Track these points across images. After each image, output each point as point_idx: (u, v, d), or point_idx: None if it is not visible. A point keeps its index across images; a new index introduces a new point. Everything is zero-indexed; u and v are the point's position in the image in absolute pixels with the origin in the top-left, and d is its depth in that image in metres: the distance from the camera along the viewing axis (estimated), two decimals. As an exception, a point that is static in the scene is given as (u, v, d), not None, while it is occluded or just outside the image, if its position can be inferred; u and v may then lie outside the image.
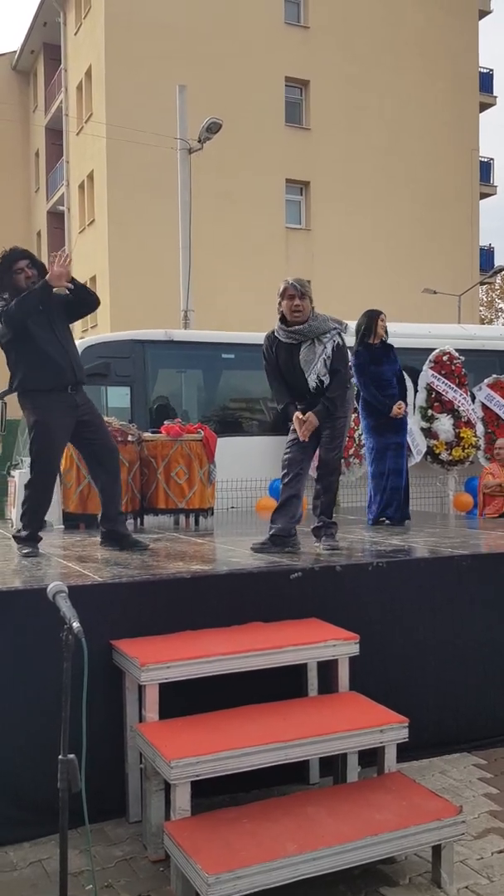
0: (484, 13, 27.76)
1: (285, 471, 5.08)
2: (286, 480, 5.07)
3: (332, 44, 24.40)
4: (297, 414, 4.98)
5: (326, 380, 4.92)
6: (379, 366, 6.38)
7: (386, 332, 6.53)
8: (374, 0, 24.88)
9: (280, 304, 5.02)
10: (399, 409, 6.32)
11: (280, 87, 24.01)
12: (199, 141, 14.19)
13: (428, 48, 25.80)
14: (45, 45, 27.72)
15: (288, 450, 5.08)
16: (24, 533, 4.85)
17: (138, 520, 6.80)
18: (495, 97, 29.19)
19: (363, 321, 6.49)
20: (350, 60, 24.56)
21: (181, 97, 14.58)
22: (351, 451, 8.61)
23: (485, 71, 28.46)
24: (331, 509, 5.19)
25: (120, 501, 5.15)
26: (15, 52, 29.88)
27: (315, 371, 4.92)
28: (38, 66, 28.91)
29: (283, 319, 5.01)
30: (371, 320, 6.45)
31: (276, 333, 5.05)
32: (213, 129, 13.89)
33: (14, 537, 4.95)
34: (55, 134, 27.00)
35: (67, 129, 25.47)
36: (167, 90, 16.67)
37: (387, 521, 6.40)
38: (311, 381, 4.93)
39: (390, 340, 6.61)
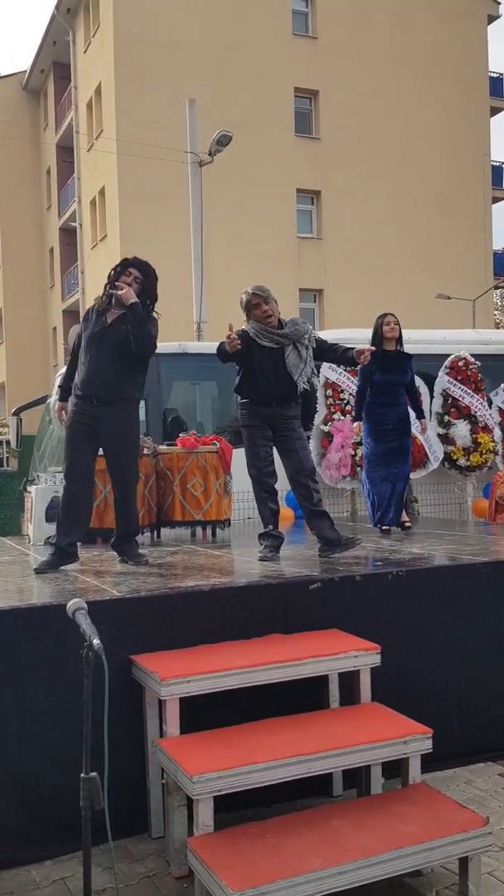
0: (493, 18, 27.75)
1: (272, 481, 5.15)
2: (273, 491, 5.18)
3: (341, 54, 24.47)
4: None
5: (310, 385, 5.13)
6: (384, 374, 6.32)
7: (400, 335, 6.47)
8: (382, 9, 24.95)
9: (248, 316, 5.11)
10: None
11: (289, 98, 24.09)
12: (210, 154, 14.26)
13: (437, 55, 25.81)
14: (55, 64, 28.01)
15: (268, 462, 5.12)
16: (52, 540, 5.05)
17: (155, 532, 6.80)
18: (505, 101, 29.13)
19: (374, 326, 6.52)
20: (359, 69, 24.62)
21: (191, 111, 14.66)
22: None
23: (494, 76, 28.42)
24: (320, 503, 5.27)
25: (125, 521, 5.06)
26: (25, 71, 30.22)
27: (304, 375, 5.05)
28: (49, 85, 29.21)
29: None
30: (376, 325, 6.47)
31: (255, 337, 5.03)
32: (223, 141, 13.96)
33: (47, 542, 5.13)
34: (66, 151, 27.23)
35: (78, 146, 25.68)
36: (177, 104, 16.80)
37: (390, 528, 6.36)
38: (301, 385, 5.07)
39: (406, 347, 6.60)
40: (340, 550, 4.97)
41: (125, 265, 5.00)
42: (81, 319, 5.07)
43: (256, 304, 5.05)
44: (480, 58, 27.20)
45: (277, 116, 23.62)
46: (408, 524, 6.57)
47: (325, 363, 8.60)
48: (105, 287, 4.99)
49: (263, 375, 5.02)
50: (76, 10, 25.38)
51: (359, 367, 6.11)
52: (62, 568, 4.80)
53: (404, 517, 6.58)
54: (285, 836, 2.90)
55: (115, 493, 5.06)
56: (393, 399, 6.35)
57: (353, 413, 6.53)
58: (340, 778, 3.79)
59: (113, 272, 5.00)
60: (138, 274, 4.93)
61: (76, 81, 25.76)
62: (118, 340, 4.78)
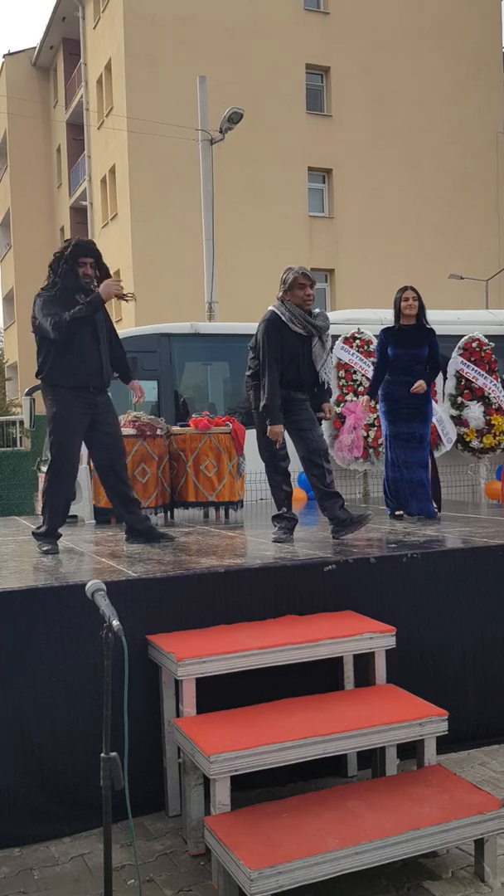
0: (507, -7, 27.35)
1: (285, 463, 5.18)
2: (286, 473, 5.21)
3: (353, 29, 24.16)
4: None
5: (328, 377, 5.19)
6: (398, 349, 6.07)
7: (421, 310, 6.15)
8: (394, -17, 24.60)
9: (287, 292, 5.06)
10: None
11: (301, 74, 23.82)
12: (221, 131, 14.13)
13: (449, 31, 25.45)
14: (65, 41, 27.76)
15: (283, 445, 5.12)
16: (42, 528, 4.85)
17: (168, 513, 6.82)
18: (520, 78, 28.72)
19: (394, 300, 6.24)
20: (371, 46, 24.31)
21: (202, 88, 14.52)
22: (380, 441, 8.54)
23: (509, 51, 28.02)
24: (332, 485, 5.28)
25: (130, 500, 5.02)
26: (34, 48, 29.95)
27: (326, 367, 5.06)
28: (58, 62, 28.96)
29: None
30: (396, 299, 6.19)
31: (289, 322, 5.01)
32: (234, 119, 13.82)
33: (33, 534, 4.94)
34: (76, 129, 27.05)
35: (88, 124, 25.51)
36: (187, 82, 16.65)
37: (405, 515, 6.12)
38: (322, 376, 5.11)
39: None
40: (353, 530, 4.97)
41: (82, 252, 4.75)
42: (64, 306, 4.67)
43: (302, 284, 5.05)
44: (495, 33, 26.81)
45: (289, 93, 23.38)
46: (436, 513, 6.27)
47: (337, 345, 8.56)
48: (63, 269, 4.70)
49: (295, 364, 5.03)
50: (86, -14, 25.16)
51: (376, 344, 6.06)
52: (77, 548, 4.82)
53: (434, 506, 6.33)
54: (302, 816, 2.92)
55: (119, 473, 4.95)
56: (407, 376, 6.07)
57: (370, 387, 6.32)
58: (355, 759, 3.81)
59: (65, 255, 4.71)
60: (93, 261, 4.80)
61: (86, 58, 25.54)
62: (101, 328, 4.83)
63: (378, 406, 6.36)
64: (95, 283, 4.77)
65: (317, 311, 5.19)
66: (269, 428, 4.99)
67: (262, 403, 5.03)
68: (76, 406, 4.74)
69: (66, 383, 4.72)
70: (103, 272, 4.83)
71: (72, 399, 4.72)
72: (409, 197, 24.57)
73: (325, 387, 5.28)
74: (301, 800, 3.09)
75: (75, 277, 4.70)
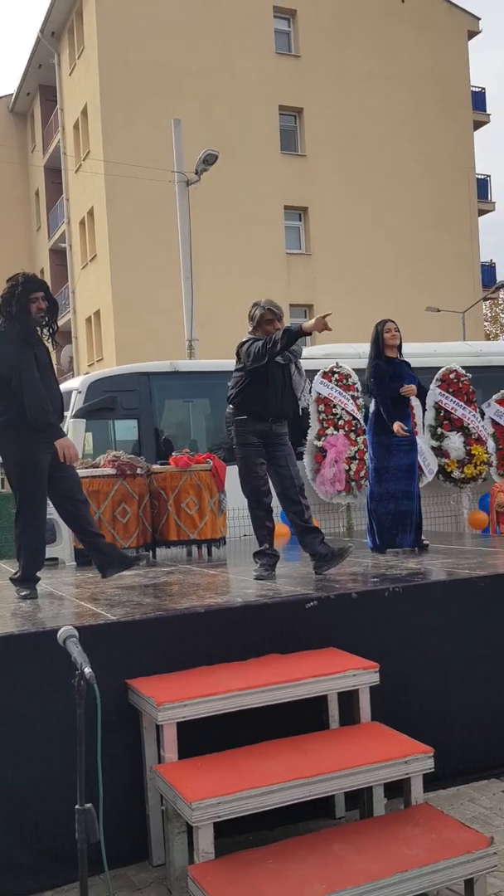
0: (473, 33, 28.03)
1: (268, 499, 5.14)
2: (269, 509, 5.17)
3: (324, 71, 24.68)
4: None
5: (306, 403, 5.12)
6: (399, 381, 6.06)
7: (400, 342, 6.20)
8: (364, 26, 25.19)
9: (257, 328, 5.09)
10: (399, 428, 5.97)
11: (274, 116, 24.24)
12: (197, 173, 14.32)
13: (419, 71, 26.06)
14: (41, 87, 28.15)
15: (265, 481, 5.10)
16: (18, 574, 4.77)
17: (150, 553, 6.76)
18: (489, 115, 29.37)
19: (373, 333, 6.23)
20: (342, 86, 24.83)
21: (176, 131, 14.74)
22: (361, 473, 8.54)
23: (476, 90, 28.67)
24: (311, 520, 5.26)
25: (94, 534, 5.00)
26: (11, 94, 30.37)
27: (305, 391, 5.05)
28: (35, 108, 29.35)
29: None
30: (377, 332, 6.17)
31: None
32: (209, 160, 14.02)
33: (11, 580, 4.85)
34: (54, 173, 27.32)
35: (66, 168, 25.78)
36: (163, 125, 16.89)
37: (401, 550, 6.05)
38: (304, 403, 5.06)
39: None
40: (335, 563, 4.95)
41: (34, 288, 4.74)
42: (27, 343, 4.66)
43: (270, 319, 5.07)
44: (462, 72, 27.47)
45: (263, 134, 23.77)
46: (426, 542, 6.23)
47: (316, 379, 8.60)
48: (16, 307, 4.66)
49: (273, 389, 5.04)
50: (60, 34, 25.55)
51: (373, 377, 6.04)
52: (57, 592, 4.76)
53: (423, 536, 6.28)
54: (287, 862, 2.85)
55: (85, 506, 4.94)
56: (405, 408, 6.13)
57: (387, 418, 6.01)
58: (342, 800, 3.74)
59: (16, 294, 4.67)
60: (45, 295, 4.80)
61: (62, 104, 25.88)
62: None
63: (369, 439, 6.33)
64: (45, 317, 4.73)
65: None
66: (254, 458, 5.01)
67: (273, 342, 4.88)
68: (41, 448, 4.63)
69: (30, 424, 4.56)
70: (52, 303, 4.80)
71: (37, 441, 4.61)
72: (384, 232, 24.92)
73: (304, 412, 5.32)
74: (286, 844, 3.02)
75: (29, 311, 4.66)
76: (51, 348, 4.96)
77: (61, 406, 4.89)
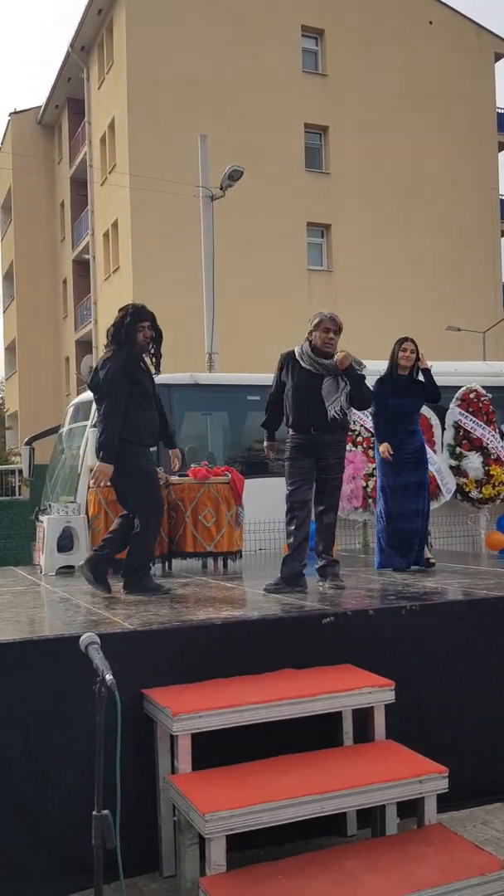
0: (500, 55, 28.14)
1: (295, 513, 5.15)
2: (299, 523, 5.15)
3: (350, 90, 24.85)
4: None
5: (342, 415, 5.13)
6: (398, 398, 6.11)
7: (416, 361, 6.20)
8: (391, 46, 25.36)
9: (311, 333, 5.20)
10: (385, 450, 6.04)
11: (300, 133, 24.42)
12: (221, 188, 14.42)
13: (445, 91, 26.18)
14: (69, 100, 28.53)
15: (295, 489, 5.14)
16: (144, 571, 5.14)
17: (166, 564, 6.77)
18: (513, 137, 29.41)
19: (392, 350, 6.30)
20: (368, 106, 24.97)
21: (202, 146, 14.87)
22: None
23: (502, 111, 28.75)
24: (332, 547, 5.28)
25: (134, 554, 5.18)
26: (40, 107, 30.77)
27: (338, 403, 5.10)
28: (63, 120, 29.72)
29: (313, 349, 5.16)
30: (393, 349, 6.25)
31: (298, 357, 5.18)
32: (234, 176, 14.12)
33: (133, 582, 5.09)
34: (80, 185, 27.63)
35: (92, 180, 26.04)
36: (189, 140, 17.03)
37: (413, 567, 6.05)
38: (332, 412, 5.10)
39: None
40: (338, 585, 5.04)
41: (141, 318, 5.14)
42: (127, 370, 5.09)
43: (326, 328, 5.16)
44: (488, 94, 27.58)
45: (288, 151, 23.93)
46: (432, 560, 6.23)
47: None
48: (124, 336, 5.10)
49: (297, 397, 5.15)
50: (90, 48, 25.89)
51: (372, 393, 6.07)
52: (73, 599, 4.79)
53: (427, 554, 6.27)
54: (299, 878, 2.84)
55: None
56: (409, 425, 6.15)
57: (376, 436, 6.22)
58: (355, 817, 3.72)
59: (125, 323, 5.11)
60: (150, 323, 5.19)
61: (90, 117, 26.21)
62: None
63: (376, 456, 6.36)
64: (151, 345, 5.15)
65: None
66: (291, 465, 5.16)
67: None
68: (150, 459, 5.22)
69: (142, 441, 5.09)
70: (158, 333, 5.18)
71: (148, 454, 5.17)
72: (406, 251, 24.97)
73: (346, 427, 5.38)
74: (298, 860, 3.01)
75: (136, 339, 5.06)
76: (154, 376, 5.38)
77: (157, 432, 5.26)
